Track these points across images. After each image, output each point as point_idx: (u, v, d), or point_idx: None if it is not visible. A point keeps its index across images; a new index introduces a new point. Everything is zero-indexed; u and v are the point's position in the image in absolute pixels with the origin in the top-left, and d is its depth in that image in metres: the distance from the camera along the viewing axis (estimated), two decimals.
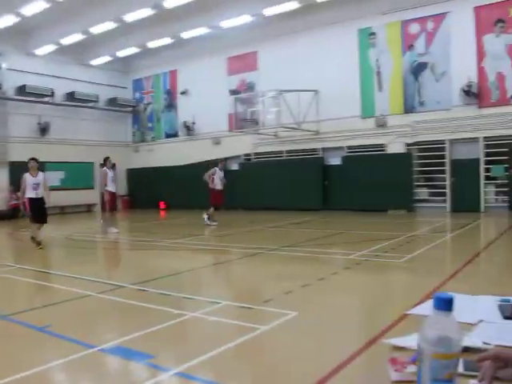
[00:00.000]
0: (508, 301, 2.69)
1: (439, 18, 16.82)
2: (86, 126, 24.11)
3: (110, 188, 13.56)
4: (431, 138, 17.23)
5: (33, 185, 10.31)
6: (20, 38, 20.63)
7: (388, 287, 6.03)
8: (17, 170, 20.66)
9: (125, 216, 21.86)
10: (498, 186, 16.82)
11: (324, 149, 19.75)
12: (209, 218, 14.61)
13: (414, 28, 17.38)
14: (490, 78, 16.04)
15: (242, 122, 20.35)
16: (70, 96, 22.83)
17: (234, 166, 22.23)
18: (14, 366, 3.33)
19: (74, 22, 18.90)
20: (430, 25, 17.04)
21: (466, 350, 1.76)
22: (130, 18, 18.11)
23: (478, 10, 16.12)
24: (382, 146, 18.37)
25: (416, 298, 4.68)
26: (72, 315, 4.95)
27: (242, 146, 21.62)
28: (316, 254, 8.53)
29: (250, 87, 21.57)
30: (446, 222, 14.07)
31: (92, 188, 24.53)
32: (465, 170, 16.57)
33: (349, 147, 19.06)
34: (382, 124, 18.14)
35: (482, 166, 16.39)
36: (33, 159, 10.57)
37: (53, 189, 21.82)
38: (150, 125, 25.80)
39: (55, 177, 22.47)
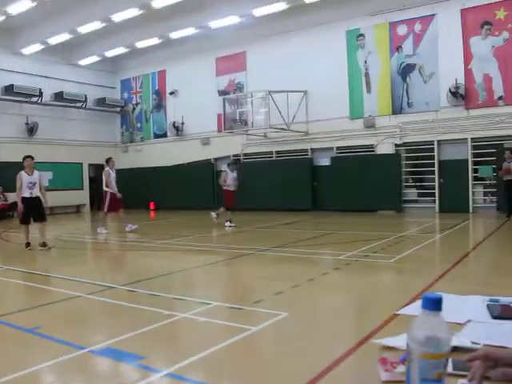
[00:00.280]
0: (496, 301, 2.72)
1: (427, 19, 16.93)
2: (74, 126, 23.98)
3: (113, 189, 13.42)
4: (420, 139, 17.35)
5: (28, 183, 10.01)
6: (6, 37, 20.45)
7: (378, 287, 6.06)
8: (4, 170, 20.58)
9: (114, 217, 21.74)
10: (486, 186, 16.98)
11: (313, 149, 19.81)
12: (217, 217, 14.44)
13: (402, 29, 17.48)
14: (477, 79, 16.18)
15: (231, 123, 20.35)
16: (58, 96, 22.68)
17: (223, 167, 22.17)
18: (2, 368, 3.30)
19: (61, 21, 18.77)
20: (417, 26, 17.15)
21: (455, 349, 1.78)
22: (117, 17, 18.03)
23: (464, 12, 16.25)
24: (370, 146, 18.47)
25: (405, 298, 4.71)
26: (62, 316, 4.92)
27: (231, 146, 21.61)
28: (306, 255, 8.55)
29: (239, 88, 21.57)
30: (435, 223, 14.16)
31: (81, 188, 24.41)
32: (453, 171, 16.70)
33: (338, 148, 19.13)
34: (370, 125, 18.23)
35: (471, 167, 16.53)
36: (29, 157, 10.25)
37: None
38: (138, 125, 25.71)
39: (44, 177, 22.32)
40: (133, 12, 17.55)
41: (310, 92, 19.46)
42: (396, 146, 17.95)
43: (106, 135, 25.78)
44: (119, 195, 13.66)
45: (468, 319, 2.47)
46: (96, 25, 18.70)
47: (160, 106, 24.62)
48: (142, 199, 23.80)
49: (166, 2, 16.80)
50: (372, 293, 5.70)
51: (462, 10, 16.28)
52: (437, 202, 17.27)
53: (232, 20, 18.66)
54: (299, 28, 19.31)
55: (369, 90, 18.33)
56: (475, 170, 16.66)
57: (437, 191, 17.23)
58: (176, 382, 3.14)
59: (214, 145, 22.34)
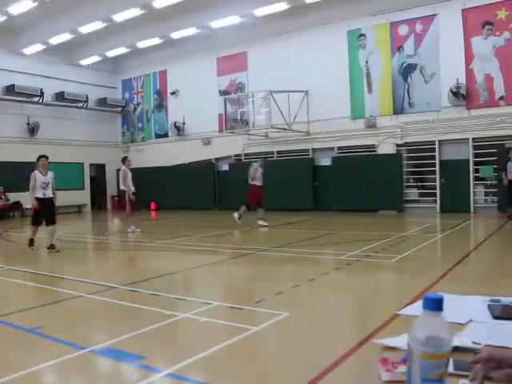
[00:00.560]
0: (497, 301, 2.72)
1: (428, 19, 16.92)
2: (75, 126, 24.00)
3: (129, 188, 13.49)
4: (421, 139, 17.34)
5: (42, 184, 9.77)
6: (8, 37, 20.46)
7: (378, 287, 6.06)
8: (5, 171, 20.61)
9: (115, 217, 21.77)
10: (487, 186, 16.97)
11: (314, 149, 19.80)
12: (239, 218, 14.01)
13: (403, 30, 17.47)
14: (479, 79, 16.17)
15: (232, 123, 20.36)
16: (60, 96, 22.69)
17: (224, 167, 22.22)
18: (3, 368, 3.30)
19: (63, 21, 18.78)
20: (418, 26, 17.14)
21: (456, 349, 1.78)
22: (119, 17, 18.04)
23: (465, 12, 16.24)
24: (371, 146, 18.46)
25: (407, 298, 4.71)
26: (63, 316, 4.93)
27: (232, 146, 21.61)
28: (307, 255, 8.55)
29: (240, 88, 21.57)
30: (436, 223, 14.15)
31: (82, 188, 24.43)
32: (454, 171, 16.69)
33: (339, 148, 19.12)
34: (371, 125, 18.22)
35: (472, 167, 16.52)
36: (44, 156, 10.09)
37: None
38: (139, 125, 25.72)
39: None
40: (134, 12, 17.56)
41: (311, 92, 19.46)
42: (397, 145, 17.94)
43: (107, 135, 25.80)
44: (132, 197, 13.57)
45: (469, 319, 2.47)
46: (97, 25, 18.72)
47: (161, 105, 24.63)
48: (143, 199, 23.76)
49: (167, 1, 16.80)
50: (373, 293, 5.70)
51: (463, 9, 16.26)
52: (438, 202, 17.26)
53: (233, 20, 18.66)
54: (300, 28, 19.31)
55: (370, 89, 18.32)
56: (476, 170, 16.65)
57: (438, 191, 17.22)
58: (177, 381, 3.15)
59: (215, 145, 22.35)
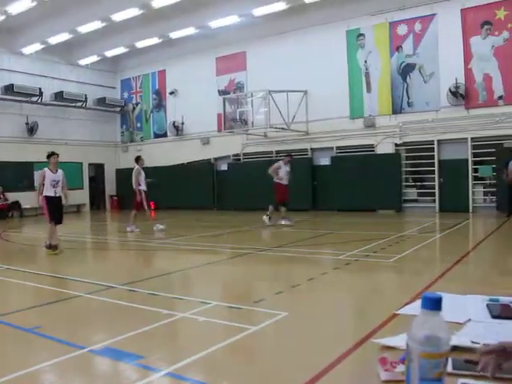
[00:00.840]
0: (496, 300, 2.72)
1: (427, 19, 16.93)
2: (74, 125, 23.98)
3: (143, 187, 13.52)
4: (420, 139, 17.34)
5: (52, 182, 9.43)
6: (6, 37, 20.42)
7: (377, 287, 6.06)
8: (4, 170, 20.59)
9: (114, 216, 21.79)
10: (486, 186, 16.98)
11: (313, 149, 19.80)
12: (270, 219, 13.72)
13: (402, 29, 17.47)
14: (478, 79, 16.18)
15: (231, 122, 20.35)
16: (58, 96, 22.66)
17: (223, 167, 22.22)
18: (3, 368, 3.30)
19: (61, 21, 18.74)
20: (417, 26, 17.14)
21: (455, 349, 1.78)
22: (117, 17, 18.01)
23: (464, 12, 16.24)
24: (370, 146, 18.46)
25: (405, 298, 4.69)
26: (61, 316, 4.92)
27: (231, 146, 21.61)
28: (306, 255, 8.55)
29: (239, 87, 21.57)
30: (435, 222, 14.16)
31: (81, 188, 24.41)
32: (453, 171, 16.70)
33: (338, 148, 19.12)
34: (370, 125, 18.22)
35: (470, 167, 16.52)
36: (55, 153, 9.79)
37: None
38: (138, 125, 25.69)
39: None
40: (133, 12, 17.53)
41: (310, 92, 19.46)
42: (396, 145, 17.94)
43: (105, 135, 25.78)
44: (139, 197, 13.60)
45: (468, 319, 2.46)
46: (96, 24, 18.69)
47: (160, 105, 24.62)
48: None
49: (166, 1, 16.78)
50: (372, 292, 5.70)
51: (462, 9, 16.27)
52: (437, 201, 17.26)
53: (232, 20, 18.65)
54: (299, 28, 19.30)
55: (369, 89, 18.32)
56: (475, 170, 16.66)
57: (437, 191, 17.22)
58: (176, 381, 3.15)
59: (214, 144, 22.34)
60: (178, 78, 23.50)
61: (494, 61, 15.84)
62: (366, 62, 18.33)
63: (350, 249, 8.78)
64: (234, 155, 21.91)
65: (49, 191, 9.42)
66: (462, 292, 2.83)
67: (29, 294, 6.28)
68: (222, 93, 21.66)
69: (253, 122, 19.83)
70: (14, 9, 16.89)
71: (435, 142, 17.06)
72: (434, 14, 16.78)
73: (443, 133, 16.81)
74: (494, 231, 11.60)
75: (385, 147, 18.08)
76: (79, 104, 23.80)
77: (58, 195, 9.54)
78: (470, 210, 16.45)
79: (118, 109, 25.89)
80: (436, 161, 17.14)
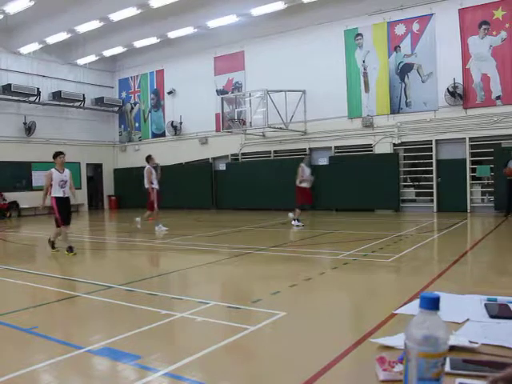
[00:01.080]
0: (494, 300, 2.72)
1: (425, 19, 16.94)
2: (72, 125, 23.96)
3: (155, 186, 13.50)
4: (418, 139, 17.36)
5: (60, 182, 9.19)
6: (4, 36, 20.41)
7: (376, 287, 6.06)
8: (1, 170, 20.56)
9: (112, 216, 21.77)
10: (483, 186, 17.00)
11: (311, 149, 19.80)
12: (298, 220, 13.54)
13: (400, 29, 17.48)
14: (475, 79, 16.19)
15: (229, 122, 20.33)
16: (56, 95, 22.64)
17: (222, 166, 22.21)
18: (0, 368, 3.30)
19: (59, 20, 18.73)
20: (415, 26, 17.15)
21: (453, 348, 1.78)
22: (115, 17, 17.99)
23: (462, 12, 16.26)
24: (368, 146, 18.47)
25: (404, 298, 4.71)
26: (59, 316, 4.92)
27: (229, 146, 21.61)
28: (304, 254, 8.55)
29: (237, 87, 21.57)
30: (433, 222, 14.17)
31: (79, 188, 24.35)
32: (451, 170, 16.72)
33: (336, 147, 19.13)
34: (368, 124, 18.23)
35: (468, 166, 16.54)
36: (62, 153, 9.50)
37: (39, 189, 21.94)
38: (136, 125, 25.67)
39: (41, 177, 22.30)
40: (131, 11, 17.52)
41: (309, 91, 19.46)
42: (394, 145, 17.95)
43: (104, 135, 25.76)
44: (152, 196, 13.58)
45: (466, 318, 2.47)
46: (94, 24, 18.66)
47: (158, 105, 24.60)
48: (140, 198, 23.70)
49: (164, 1, 16.76)
50: (370, 292, 5.70)
51: (459, 9, 16.28)
52: (435, 201, 17.28)
53: (230, 19, 18.64)
54: (297, 27, 19.31)
55: (367, 89, 18.33)
56: (473, 170, 16.67)
57: (435, 191, 17.23)
58: (174, 381, 3.14)
59: (213, 144, 22.33)
60: (176, 78, 23.49)
61: (491, 61, 15.85)
62: (364, 61, 18.33)
63: (348, 248, 8.79)
64: (232, 155, 21.90)
65: (57, 192, 9.22)
66: (459, 292, 2.84)
67: (26, 294, 6.26)
68: (220, 92, 21.65)
69: (251, 122, 19.82)
70: (11, 8, 16.86)
71: (433, 142, 17.08)
72: (431, 14, 16.80)
73: (441, 133, 16.83)
74: (491, 231, 11.61)
75: (383, 147, 18.09)
76: (77, 104, 23.78)
77: (66, 195, 9.36)
78: (468, 210, 16.46)
79: (116, 108, 25.87)
80: (434, 161, 17.15)
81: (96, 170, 25.85)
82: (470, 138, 16.39)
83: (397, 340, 1.97)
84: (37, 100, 22.00)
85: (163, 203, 22.70)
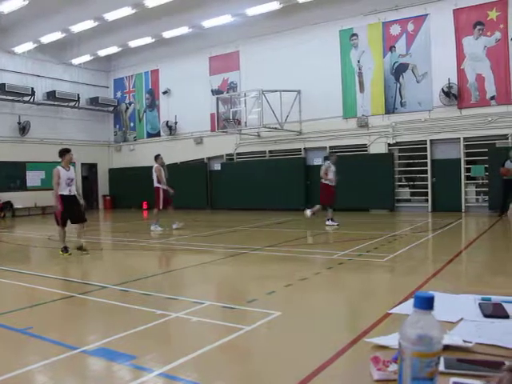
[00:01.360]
0: (488, 299, 2.73)
1: (420, 19, 16.99)
2: (66, 125, 23.88)
3: (164, 185, 13.52)
4: (412, 139, 17.41)
5: (66, 180, 8.99)
6: None
7: (370, 286, 6.08)
8: None
9: (107, 216, 21.72)
10: (478, 185, 17.06)
11: (306, 149, 19.82)
12: (333, 220, 13.07)
13: (395, 29, 17.52)
14: (470, 79, 16.25)
15: (224, 122, 20.34)
16: (51, 95, 22.56)
17: (217, 166, 22.20)
18: None
19: (54, 20, 18.65)
20: (410, 26, 17.20)
21: (447, 348, 1.79)
22: (110, 16, 17.94)
23: (457, 12, 16.32)
24: (363, 146, 18.50)
25: (398, 297, 4.72)
26: (54, 316, 4.90)
27: (224, 145, 21.60)
28: (299, 254, 8.56)
29: (232, 87, 21.56)
30: (428, 222, 14.21)
31: None
32: (446, 170, 16.77)
33: (331, 147, 19.14)
34: (363, 124, 18.26)
35: (463, 166, 16.60)
36: (69, 150, 9.33)
37: (33, 189, 21.88)
38: (131, 124, 25.62)
39: (35, 177, 22.23)
40: (126, 11, 17.48)
41: (304, 91, 19.47)
42: (389, 145, 18.00)
43: (98, 135, 25.70)
44: (172, 191, 13.65)
45: (460, 318, 2.47)
46: (89, 24, 18.61)
47: (153, 105, 24.56)
48: (135, 199, 23.74)
49: (159, 1, 16.72)
50: (365, 292, 5.72)
51: (454, 10, 16.34)
52: (429, 201, 17.33)
53: (225, 19, 18.64)
54: (292, 27, 19.32)
55: (362, 89, 18.36)
56: (467, 170, 16.73)
57: (429, 190, 17.28)
58: (169, 381, 3.14)
59: (207, 144, 22.32)
60: (171, 78, 23.45)
61: (486, 61, 15.92)
62: (359, 61, 18.36)
63: (343, 248, 8.80)
64: (227, 155, 21.90)
65: (64, 190, 8.98)
66: (454, 291, 2.84)
67: (21, 295, 6.23)
68: (215, 92, 21.64)
69: (246, 122, 19.83)
70: (5, 7, 16.77)
71: (428, 142, 17.13)
72: (426, 15, 16.85)
73: (436, 133, 16.89)
74: (486, 231, 11.66)
75: (378, 147, 18.13)
76: (72, 104, 23.70)
77: (72, 193, 9.12)
78: (463, 210, 16.52)
79: (111, 108, 25.81)
80: (429, 160, 17.20)
81: (91, 169, 25.79)
82: (464, 138, 16.45)
83: (391, 339, 1.98)
84: (31, 100, 21.91)
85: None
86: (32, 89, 21.67)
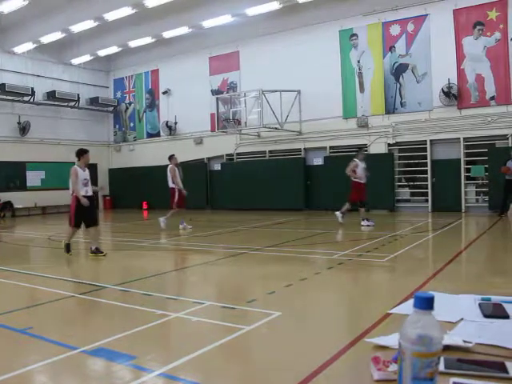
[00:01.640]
0: (488, 299, 2.73)
1: (419, 20, 16.99)
2: (66, 125, 23.89)
3: (178, 185, 13.51)
4: (412, 139, 17.41)
5: (83, 180, 8.95)
6: None
7: (370, 287, 6.08)
8: None
9: (107, 216, 21.71)
10: (478, 186, 17.06)
11: (306, 149, 19.82)
12: (368, 219, 13.03)
13: (395, 29, 17.52)
14: (470, 79, 16.25)
15: (224, 122, 20.34)
16: (51, 95, 22.55)
17: (217, 167, 22.20)
18: None
19: (54, 20, 18.66)
20: (410, 26, 17.20)
21: (447, 348, 1.79)
22: (110, 16, 17.96)
23: (457, 12, 16.32)
24: (363, 146, 18.48)
25: (399, 297, 4.72)
26: (54, 317, 4.90)
27: (224, 146, 21.59)
28: (299, 254, 8.55)
29: (232, 87, 21.56)
30: (428, 222, 14.21)
31: None
32: (446, 171, 16.77)
33: (331, 147, 19.15)
34: (363, 125, 18.26)
35: (463, 166, 16.60)
36: (87, 151, 9.28)
37: (33, 189, 21.89)
38: (131, 124, 25.62)
39: (36, 177, 22.23)
40: (126, 11, 17.48)
41: (304, 92, 19.47)
42: (389, 145, 18.00)
43: (98, 135, 25.70)
44: (184, 192, 13.60)
45: (460, 318, 2.47)
46: (89, 23, 18.61)
47: (153, 105, 24.56)
48: (135, 199, 23.76)
49: (159, 1, 16.73)
50: (365, 292, 5.71)
51: (454, 10, 16.34)
52: (429, 201, 17.33)
53: (225, 19, 18.64)
54: (292, 28, 19.32)
55: (362, 89, 18.36)
56: (467, 170, 16.73)
57: (429, 191, 17.28)
58: (169, 381, 3.14)
59: (207, 144, 22.31)
60: (171, 78, 23.45)
61: (486, 61, 15.92)
62: (358, 62, 18.36)
63: (343, 248, 8.81)
64: (227, 155, 21.89)
65: (80, 190, 8.87)
66: (454, 291, 2.84)
67: (21, 295, 6.23)
68: (215, 92, 21.64)
69: (246, 122, 19.83)
70: (5, 7, 16.79)
71: (428, 142, 17.13)
72: (426, 15, 16.85)
73: (436, 133, 16.89)
74: (486, 231, 11.66)
75: (378, 147, 18.12)
76: (72, 104, 23.70)
77: (89, 194, 8.98)
78: (463, 210, 16.52)
79: (111, 108, 25.80)
80: (429, 161, 17.20)
81: (90, 170, 25.71)
82: (464, 138, 16.45)
83: (391, 340, 1.98)
84: (31, 100, 21.90)
85: (156, 203, 22.81)
86: (32, 89, 21.67)
